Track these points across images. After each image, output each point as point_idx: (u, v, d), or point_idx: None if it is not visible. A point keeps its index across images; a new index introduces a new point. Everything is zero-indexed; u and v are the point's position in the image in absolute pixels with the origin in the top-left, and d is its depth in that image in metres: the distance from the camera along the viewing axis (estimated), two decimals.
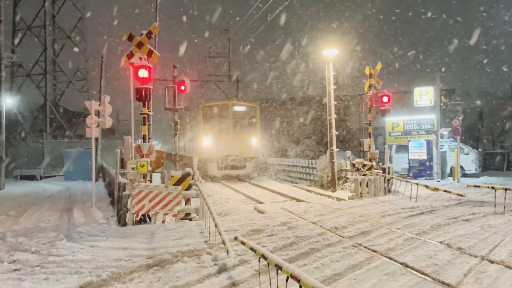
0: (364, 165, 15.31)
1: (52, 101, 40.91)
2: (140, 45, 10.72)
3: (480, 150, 29.58)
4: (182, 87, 19.72)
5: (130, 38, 10.79)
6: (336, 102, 17.09)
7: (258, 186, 18.83)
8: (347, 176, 16.44)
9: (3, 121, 22.14)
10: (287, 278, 3.56)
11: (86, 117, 16.51)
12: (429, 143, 22.24)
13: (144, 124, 11.54)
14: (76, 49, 41.73)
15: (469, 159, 24.20)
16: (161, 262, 6.47)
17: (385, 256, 6.73)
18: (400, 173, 22.79)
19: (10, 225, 10.44)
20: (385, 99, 16.01)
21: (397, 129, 26.81)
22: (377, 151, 16.73)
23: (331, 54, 16.43)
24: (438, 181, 20.31)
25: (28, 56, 39.86)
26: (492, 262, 6.40)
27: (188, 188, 10.89)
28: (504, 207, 11.08)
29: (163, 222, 10.13)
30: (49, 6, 40.57)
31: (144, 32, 10.90)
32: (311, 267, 6.23)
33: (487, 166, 28.50)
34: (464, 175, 22.87)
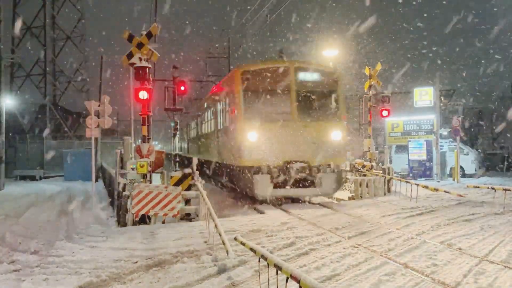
0: (363, 166, 15.31)
1: (52, 101, 40.92)
2: (140, 45, 10.72)
3: (479, 150, 29.60)
4: (182, 88, 19.76)
5: (130, 38, 10.79)
6: None
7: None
8: (347, 177, 16.45)
9: (3, 121, 22.14)
10: (287, 278, 3.56)
11: (85, 118, 16.51)
12: (429, 143, 22.25)
13: (144, 124, 11.55)
14: (75, 49, 41.79)
15: (469, 160, 24.22)
16: (161, 262, 6.47)
17: (385, 257, 6.72)
18: (399, 173, 22.80)
19: (9, 225, 10.41)
20: (384, 113, 16.12)
21: (396, 130, 26.84)
22: (377, 151, 16.76)
23: (331, 54, 16.45)
24: (438, 182, 20.33)
25: (28, 56, 39.91)
26: (492, 262, 6.40)
27: (188, 188, 10.88)
28: (504, 208, 11.08)
29: (163, 222, 10.12)
30: (49, 7, 40.60)
31: (144, 32, 10.91)
32: (311, 267, 6.23)
33: (487, 166, 28.53)
34: (464, 175, 22.88)
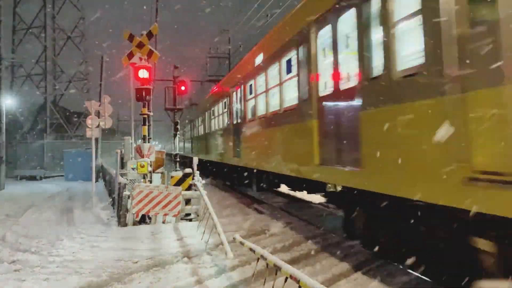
0: None
1: (52, 102, 40.94)
2: (140, 45, 10.75)
3: None
4: (183, 88, 19.80)
5: (131, 38, 10.82)
6: None
7: None
8: None
9: (3, 122, 22.18)
10: (286, 279, 3.57)
11: (86, 117, 16.52)
12: None
13: (144, 124, 11.58)
14: (76, 49, 41.81)
15: None
16: (161, 262, 6.47)
17: (384, 258, 6.71)
18: None
19: (10, 225, 10.44)
20: None
21: None
22: None
23: None
24: None
25: (28, 56, 39.92)
26: None
27: (188, 188, 10.89)
28: None
29: (163, 222, 10.13)
30: (49, 7, 40.60)
31: (144, 32, 10.93)
32: (311, 268, 6.23)
33: None
34: None
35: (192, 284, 5.55)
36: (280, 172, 9.25)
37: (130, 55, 10.95)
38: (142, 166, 10.63)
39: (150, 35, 10.98)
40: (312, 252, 7.09)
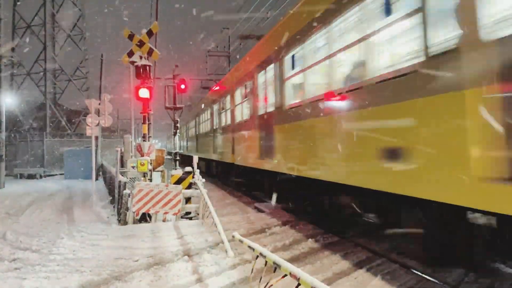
0: None
1: (52, 100, 40.93)
2: (140, 44, 10.74)
3: None
4: (182, 86, 19.78)
5: (131, 36, 10.82)
6: None
7: None
8: None
9: (3, 120, 22.15)
10: (284, 275, 3.57)
11: (86, 116, 16.51)
12: None
13: (144, 123, 11.58)
14: (76, 48, 41.79)
15: None
16: (161, 261, 6.47)
17: (385, 256, 6.73)
18: None
19: (10, 223, 10.45)
20: None
21: None
22: None
23: None
24: None
25: (28, 55, 39.90)
26: None
27: (189, 187, 10.90)
28: None
29: (164, 221, 10.13)
30: (49, 5, 40.54)
31: (145, 30, 10.92)
32: (311, 266, 6.24)
33: None
34: None
35: (192, 282, 5.55)
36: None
37: (130, 54, 10.95)
38: (142, 165, 10.64)
39: (150, 33, 10.97)
40: (313, 251, 7.11)
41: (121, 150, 13.32)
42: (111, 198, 14.80)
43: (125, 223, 9.88)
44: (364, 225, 8.76)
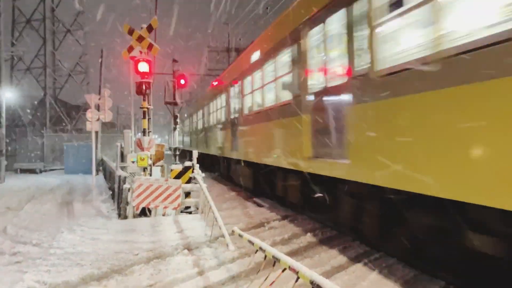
0: None
1: (52, 95, 40.88)
2: (140, 39, 10.74)
3: None
4: (182, 81, 19.76)
5: (130, 32, 10.81)
6: None
7: None
8: None
9: (3, 115, 22.16)
10: (284, 269, 3.61)
11: (85, 111, 16.54)
12: None
13: (144, 118, 11.60)
14: (76, 43, 41.71)
15: None
16: (161, 254, 6.52)
17: (381, 251, 6.76)
18: None
19: (11, 218, 10.49)
20: None
21: None
22: None
23: None
24: None
25: (27, 50, 39.80)
26: None
27: (188, 181, 10.94)
28: None
29: (163, 215, 10.18)
30: None
31: (144, 25, 10.92)
32: (310, 260, 6.29)
33: None
34: None
35: (193, 275, 5.60)
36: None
37: (130, 49, 10.94)
38: (142, 159, 10.67)
39: (150, 28, 10.96)
40: (311, 245, 7.15)
41: (121, 145, 13.36)
42: (111, 192, 14.85)
43: (125, 217, 9.93)
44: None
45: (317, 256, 6.50)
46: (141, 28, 10.91)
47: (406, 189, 4.71)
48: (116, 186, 12.04)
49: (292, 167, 8.40)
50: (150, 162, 10.97)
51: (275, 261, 3.83)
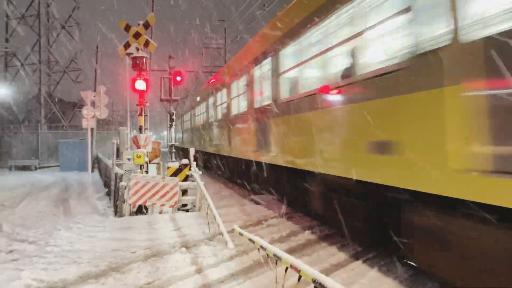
0: None
1: (47, 92, 40.63)
2: (137, 35, 10.68)
3: None
4: (178, 78, 19.69)
5: (127, 28, 10.75)
6: None
7: None
8: None
9: None
10: (286, 268, 3.59)
11: (80, 108, 16.43)
12: None
13: (140, 115, 11.55)
14: (70, 39, 41.44)
15: None
16: (159, 252, 6.49)
17: (381, 248, 6.77)
18: None
19: (6, 215, 10.41)
20: None
21: None
22: None
23: None
24: None
25: (22, 46, 39.52)
26: None
27: (185, 179, 10.91)
28: None
29: (160, 213, 10.15)
30: None
31: (141, 22, 10.86)
32: (308, 258, 6.28)
33: None
34: None
35: (191, 273, 5.57)
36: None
37: (127, 45, 10.89)
38: (139, 157, 10.63)
39: (147, 25, 10.90)
40: (310, 243, 7.14)
41: (117, 142, 13.30)
42: (106, 190, 14.79)
43: (122, 215, 9.89)
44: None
45: (315, 254, 6.50)
46: (138, 24, 10.85)
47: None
48: (112, 183, 11.99)
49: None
50: (146, 159, 10.93)
51: (276, 259, 3.81)
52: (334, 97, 6.36)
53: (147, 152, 11.03)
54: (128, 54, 11.08)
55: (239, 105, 12.61)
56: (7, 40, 36.77)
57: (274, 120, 9.16)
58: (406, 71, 4.53)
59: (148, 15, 11.48)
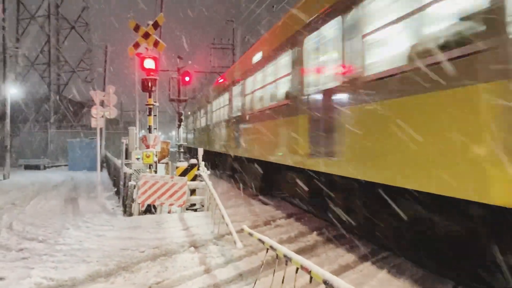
0: None
1: (56, 91, 40.96)
2: (146, 35, 10.71)
3: None
4: (187, 78, 19.75)
5: (136, 28, 10.79)
6: None
7: None
8: None
9: (8, 111, 22.20)
10: (297, 269, 3.57)
11: (89, 107, 16.53)
12: None
13: (149, 114, 11.58)
14: (79, 39, 41.75)
15: None
16: (168, 252, 6.50)
17: (391, 249, 6.72)
18: None
19: (16, 214, 10.50)
20: None
21: None
22: None
23: None
24: None
25: (32, 46, 39.88)
26: None
27: (194, 179, 10.93)
28: None
29: (169, 212, 10.17)
30: None
31: (150, 22, 10.89)
32: (317, 259, 6.25)
33: None
34: None
35: (199, 273, 5.57)
36: None
37: (136, 45, 10.92)
38: (148, 156, 10.66)
39: (156, 25, 10.93)
40: (318, 243, 7.11)
41: (126, 142, 13.36)
42: (115, 189, 14.85)
43: (131, 214, 9.92)
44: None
45: (324, 255, 6.46)
46: (147, 24, 10.88)
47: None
48: (121, 183, 12.03)
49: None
50: (155, 159, 10.96)
51: (287, 260, 3.79)
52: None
53: (156, 151, 11.06)
54: (138, 54, 11.12)
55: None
56: (17, 40, 37.08)
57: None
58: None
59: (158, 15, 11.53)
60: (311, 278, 3.18)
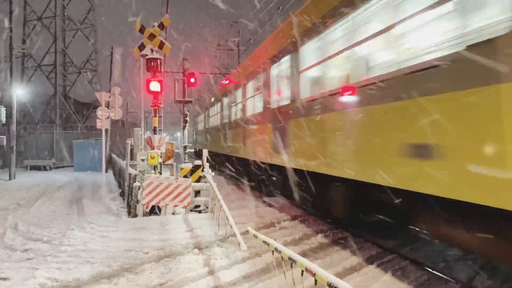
0: None
1: (62, 92, 41.13)
2: (151, 37, 10.74)
3: None
4: (192, 80, 19.77)
5: (142, 29, 10.82)
6: None
7: None
8: None
9: (14, 112, 22.32)
10: (302, 272, 3.56)
11: (95, 108, 16.57)
12: None
13: (155, 116, 11.60)
14: (86, 40, 41.92)
15: None
16: (172, 253, 6.50)
17: (395, 252, 6.69)
18: None
19: (21, 214, 10.53)
20: None
21: None
22: None
23: None
24: None
25: (38, 47, 40.06)
26: None
27: (198, 180, 10.92)
28: None
29: (173, 213, 10.17)
30: None
31: (156, 24, 10.91)
32: (321, 261, 6.22)
33: None
34: None
35: (203, 275, 5.56)
36: None
37: (141, 47, 10.96)
38: (153, 158, 10.66)
39: (161, 26, 10.96)
40: (322, 246, 7.09)
41: (131, 143, 13.38)
42: (120, 190, 14.87)
43: (135, 215, 9.93)
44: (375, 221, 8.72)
45: (328, 258, 6.44)
46: (153, 26, 10.91)
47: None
48: (126, 184, 12.05)
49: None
50: (160, 160, 10.96)
51: (291, 262, 3.78)
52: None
53: (161, 153, 11.07)
54: (143, 56, 11.15)
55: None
56: (24, 41, 37.29)
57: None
58: None
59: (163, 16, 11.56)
60: (315, 280, 3.16)
